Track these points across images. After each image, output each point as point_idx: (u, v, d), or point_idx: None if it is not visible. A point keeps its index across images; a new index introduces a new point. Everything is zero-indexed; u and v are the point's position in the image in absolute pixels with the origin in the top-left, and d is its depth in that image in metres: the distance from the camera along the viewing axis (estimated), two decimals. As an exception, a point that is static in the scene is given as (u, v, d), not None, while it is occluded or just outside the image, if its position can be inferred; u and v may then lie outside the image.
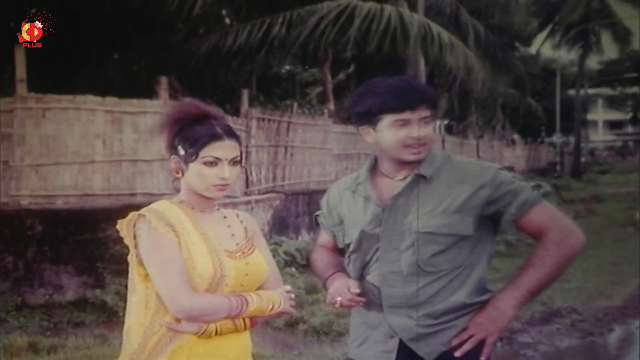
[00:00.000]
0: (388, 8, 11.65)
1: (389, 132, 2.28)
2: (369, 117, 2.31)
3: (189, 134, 2.13)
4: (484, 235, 2.34)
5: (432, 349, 2.28)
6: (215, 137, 2.11)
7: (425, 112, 2.28)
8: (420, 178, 2.31)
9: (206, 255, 2.10)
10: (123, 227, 2.14)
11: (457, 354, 2.26)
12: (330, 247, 2.58)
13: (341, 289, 2.35)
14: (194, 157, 2.10)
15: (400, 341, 2.31)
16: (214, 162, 2.10)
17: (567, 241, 2.28)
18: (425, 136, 2.28)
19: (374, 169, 2.43)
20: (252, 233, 2.27)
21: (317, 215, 2.62)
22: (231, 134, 2.16)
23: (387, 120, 2.27)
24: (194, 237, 2.11)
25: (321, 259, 2.59)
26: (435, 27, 12.11)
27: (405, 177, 2.33)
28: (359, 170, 2.50)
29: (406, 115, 2.25)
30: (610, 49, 37.35)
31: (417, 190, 2.31)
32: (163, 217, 2.10)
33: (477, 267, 2.33)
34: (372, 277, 2.35)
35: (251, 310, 2.11)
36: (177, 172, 2.16)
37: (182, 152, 2.13)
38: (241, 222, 2.28)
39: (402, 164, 2.33)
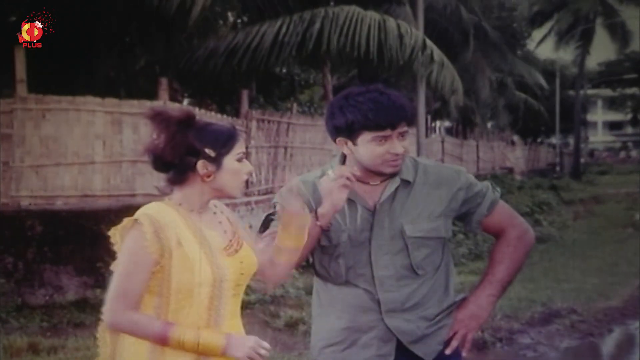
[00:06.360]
0: (390, 19, 11.64)
1: (369, 147, 2.28)
2: (348, 131, 2.30)
3: (213, 135, 2.09)
4: (449, 234, 2.44)
5: (431, 349, 2.36)
6: (239, 134, 2.16)
7: (404, 128, 2.29)
8: (403, 183, 2.34)
9: (204, 261, 2.06)
10: (117, 233, 2.11)
11: (447, 351, 2.38)
12: None
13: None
14: (225, 157, 2.09)
15: (397, 344, 2.33)
16: (241, 158, 2.13)
17: (526, 237, 2.46)
18: (404, 150, 2.30)
19: None
20: (235, 223, 2.24)
21: (271, 215, 2.41)
22: None
23: (367, 136, 2.26)
24: (192, 244, 2.07)
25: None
26: (430, 43, 12.13)
27: (381, 182, 2.34)
28: (324, 169, 2.44)
29: (387, 132, 2.25)
30: (608, 50, 37.38)
31: (401, 194, 2.34)
32: (158, 224, 2.05)
33: (450, 265, 2.45)
34: (363, 281, 2.34)
35: (179, 341, 2.02)
36: (208, 176, 2.10)
37: (212, 154, 2.08)
38: (222, 212, 2.24)
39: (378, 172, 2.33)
